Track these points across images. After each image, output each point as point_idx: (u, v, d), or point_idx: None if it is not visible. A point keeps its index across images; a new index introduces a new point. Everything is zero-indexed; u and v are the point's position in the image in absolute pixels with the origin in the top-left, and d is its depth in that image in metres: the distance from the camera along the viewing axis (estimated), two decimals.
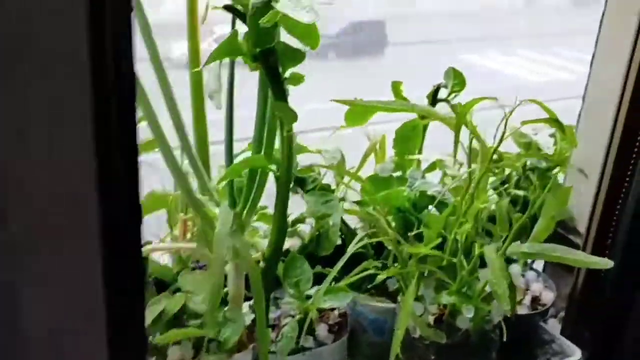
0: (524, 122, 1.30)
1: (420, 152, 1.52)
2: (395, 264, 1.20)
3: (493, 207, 1.21)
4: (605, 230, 1.34)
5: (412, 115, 1.55)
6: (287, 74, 1.08)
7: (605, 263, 1.01)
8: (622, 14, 1.25)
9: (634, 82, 1.23)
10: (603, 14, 1.29)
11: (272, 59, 0.99)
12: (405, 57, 24.45)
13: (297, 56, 1.03)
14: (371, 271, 1.17)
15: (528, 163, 1.36)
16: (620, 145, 1.28)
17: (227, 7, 0.95)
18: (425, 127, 1.46)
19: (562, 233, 1.43)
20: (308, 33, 0.96)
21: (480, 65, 23.25)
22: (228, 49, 0.96)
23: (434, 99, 1.48)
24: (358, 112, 1.43)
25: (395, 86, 1.50)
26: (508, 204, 1.14)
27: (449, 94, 1.51)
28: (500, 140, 1.10)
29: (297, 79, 1.11)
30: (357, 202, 1.31)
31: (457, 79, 1.47)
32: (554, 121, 1.25)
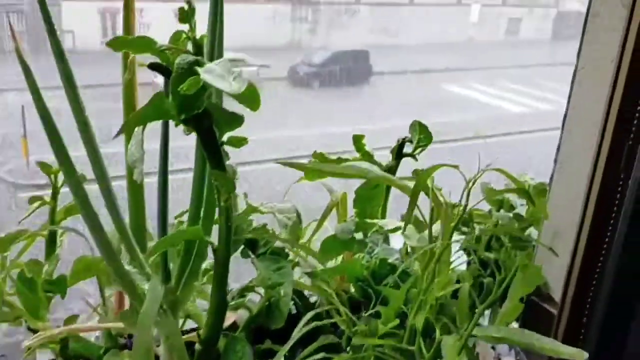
0: (490, 192, 1.25)
1: (384, 211, 1.39)
2: (349, 349, 1.09)
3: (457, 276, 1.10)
4: (582, 301, 1.22)
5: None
6: (225, 138, 0.97)
7: (580, 356, 0.91)
8: (596, 69, 1.17)
9: (610, 138, 1.13)
10: (576, 68, 1.25)
11: (206, 123, 0.89)
12: (388, 87, 24.72)
13: (235, 120, 0.94)
14: (319, 357, 1.05)
15: (499, 222, 1.26)
16: (597, 206, 1.17)
17: (152, 66, 0.86)
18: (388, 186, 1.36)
19: (535, 300, 1.30)
20: (247, 95, 0.85)
21: (462, 95, 23.58)
22: (153, 112, 0.85)
23: (398, 153, 1.39)
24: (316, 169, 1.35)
25: (357, 140, 1.39)
26: (470, 288, 1.05)
27: (415, 149, 1.42)
28: (461, 216, 1.00)
29: (239, 142, 1.00)
30: (309, 274, 1.21)
31: (423, 133, 1.38)
32: (522, 191, 1.17)
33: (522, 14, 34.45)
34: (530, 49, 31.82)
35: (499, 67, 27.87)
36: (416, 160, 1.34)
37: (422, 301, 0.99)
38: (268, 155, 14.80)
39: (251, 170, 14.04)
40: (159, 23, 25.01)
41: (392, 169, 1.37)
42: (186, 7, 0.88)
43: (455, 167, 1.09)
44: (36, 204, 1.27)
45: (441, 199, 1.13)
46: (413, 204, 1.09)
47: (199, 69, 0.76)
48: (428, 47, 30.14)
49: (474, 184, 1.06)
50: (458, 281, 1.09)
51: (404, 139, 1.40)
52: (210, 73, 0.76)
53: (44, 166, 1.21)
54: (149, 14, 27.41)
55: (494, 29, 33.56)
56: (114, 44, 0.86)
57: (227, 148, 1.04)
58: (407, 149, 1.46)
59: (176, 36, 0.91)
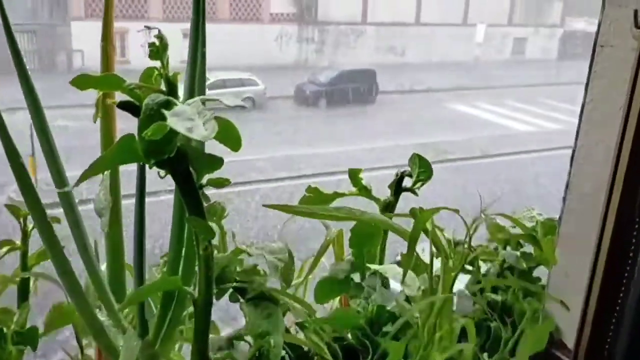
0: (495, 230, 1.16)
1: (382, 250, 1.28)
2: None
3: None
4: (598, 350, 1.09)
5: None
6: (203, 180, 0.87)
7: None
8: (605, 104, 1.06)
9: (624, 177, 1.02)
10: (584, 103, 1.14)
11: (182, 166, 0.79)
12: (395, 105, 24.71)
13: (214, 162, 0.84)
14: None
15: (506, 261, 1.16)
16: (611, 247, 1.06)
17: (121, 105, 0.77)
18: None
19: (547, 347, 1.17)
20: (227, 134, 0.76)
21: (468, 114, 23.55)
22: (122, 155, 0.75)
23: (397, 188, 1.29)
24: (313, 201, 1.24)
25: (354, 174, 1.27)
26: (475, 339, 0.96)
27: (414, 183, 1.31)
28: (462, 266, 0.94)
29: (219, 183, 0.90)
30: (300, 325, 1.10)
31: (422, 167, 1.26)
32: (529, 237, 1.07)
33: (528, 34, 34.62)
34: (536, 68, 31.93)
35: (505, 86, 27.97)
36: (416, 195, 1.24)
37: (422, 357, 0.92)
38: (277, 174, 14.84)
39: (259, 189, 14.06)
40: (168, 43, 25.17)
41: (390, 205, 1.25)
42: (157, 41, 0.82)
43: (455, 211, 1.03)
44: (5, 249, 1.18)
45: (443, 241, 1.03)
46: (411, 250, 0.99)
47: (166, 112, 0.68)
48: (434, 66, 30.32)
49: (475, 230, 0.98)
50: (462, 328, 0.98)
51: (402, 172, 1.27)
52: (178, 116, 0.68)
53: (12, 209, 1.14)
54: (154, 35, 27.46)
55: (500, 48, 33.75)
56: (78, 82, 0.77)
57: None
58: (407, 182, 1.35)
59: (148, 73, 0.83)
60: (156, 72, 0.82)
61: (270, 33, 27.99)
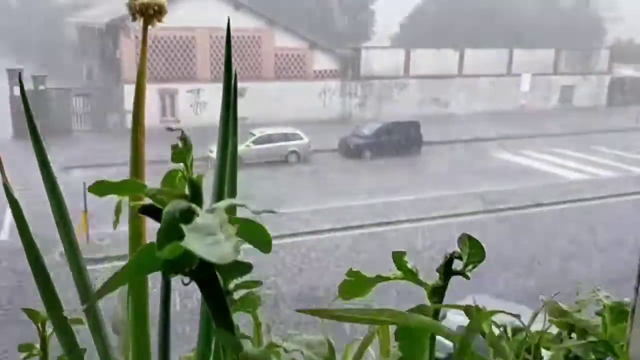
0: (556, 312, 1.02)
1: (432, 343, 1.17)
2: None
3: None
4: None
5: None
6: (231, 286, 0.83)
7: None
8: None
9: None
10: None
11: (206, 274, 0.74)
12: (440, 156, 24.49)
13: (240, 268, 0.78)
14: None
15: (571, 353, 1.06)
16: None
17: (144, 210, 0.74)
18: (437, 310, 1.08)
19: None
20: (257, 237, 0.74)
21: (516, 163, 23.04)
22: (141, 266, 0.70)
23: (446, 271, 1.15)
24: (355, 285, 1.10)
25: (398, 258, 1.12)
26: None
27: (465, 266, 1.16)
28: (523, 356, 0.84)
29: (249, 287, 0.84)
30: None
31: (473, 248, 1.10)
32: (594, 327, 0.98)
33: (575, 82, 34.20)
34: (585, 116, 31.32)
35: (553, 134, 27.44)
36: (468, 278, 1.09)
37: None
38: (322, 226, 14.80)
39: (304, 241, 14.01)
40: (214, 101, 25.91)
41: (439, 291, 1.11)
42: (180, 144, 0.79)
43: (516, 316, 0.89)
44: (23, 355, 1.11)
45: (503, 344, 0.91)
46: (463, 354, 0.87)
47: (185, 227, 0.62)
48: (479, 116, 30.14)
49: (534, 319, 0.85)
50: None
51: (452, 254, 1.13)
52: (197, 232, 0.62)
53: (30, 313, 1.07)
54: (205, 94, 28.42)
55: (547, 96, 33.37)
56: (97, 189, 0.74)
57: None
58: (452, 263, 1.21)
59: (171, 176, 0.80)
60: (179, 175, 0.78)
61: (315, 89, 28.60)
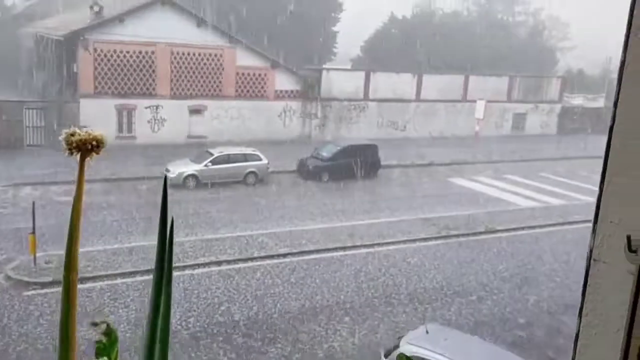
0: None
1: None
2: None
3: None
4: None
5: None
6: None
7: None
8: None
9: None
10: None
11: None
12: (396, 179, 24.80)
13: None
14: None
15: None
16: None
17: None
18: None
19: None
20: None
21: (470, 189, 23.59)
22: None
23: None
24: None
25: None
26: None
27: None
28: None
29: None
30: None
31: None
32: None
33: (527, 109, 35.33)
34: (536, 143, 32.31)
35: (506, 160, 28.20)
36: None
37: None
38: (279, 250, 14.72)
39: (260, 266, 13.90)
40: (173, 118, 25.71)
41: None
42: (104, 339, 0.77)
43: None
44: None
45: None
46: None
47: None
48: (435, 140, 30.74)
49: None
50: None
51: None
52: None
53: None
54: (164, 111, 28.19)
55: (500, 123, 34.33)
56: None
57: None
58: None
59: None
60: None
61: (275, 109, 28.63)
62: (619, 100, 0.94)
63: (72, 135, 0.81)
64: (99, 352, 0.77)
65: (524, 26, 51.20)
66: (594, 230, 0.98)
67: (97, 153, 0.83)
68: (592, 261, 0.99)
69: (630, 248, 0.91)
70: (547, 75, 39.37)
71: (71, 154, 0.82)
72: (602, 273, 0.98)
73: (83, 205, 0.88)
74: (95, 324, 0.82)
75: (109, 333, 0.78)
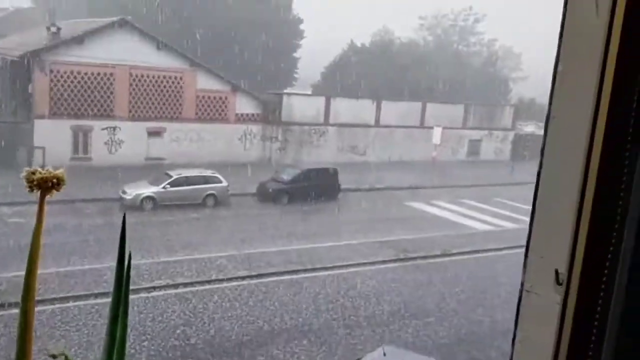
0: None
1: None
2: None
3: None
4: None
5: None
6: None
7: None
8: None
9: None
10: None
11: None
12: (356, 203, 24.95)
13: None
14: None
15: None
16: None
17: None
18: None
19: None
20: None
21: (427, 212, 23.89)
22: None
23: None
24: None
25: None
26: None
27: None
28: None
29: None
30: None
31: None
32: None
33: (482, 136, 36.30)
34: (490, 169, 33.16)
35: (462, 185, 28.79)
36: None
37: None
38: (237, 273, 14.56)
39: (218, 289, 13.69)
40: (131, 140, 25.40)
41: None
42: None
43: None
44: None
45: None
46: None
47: None
48: (393, 165, 31.17)
49: None
50: None
51: None
52: None
53: None
54: (122, 132, 27.77)
55: (456, 149, 35.13)
56: None
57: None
58: None
59: None
60: None
61: (236, 132, 28.57)
62: (545, 149, 1.01)
63: (33, 173, 0.83)
64: None
65: (479, 56, 52.91)
66: (525, 264, 1.03)
67: (58, 190, 0.85)
68: (524, 292, 1.04)
69: (558, 281, 0.98)
70: (501, 103, 40.63)
71: (32, 191, 0.84)
72: (533, 303, 1.03)
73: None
74: (54, 357, 0.83)
75: None
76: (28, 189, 0.83)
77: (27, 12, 47.88)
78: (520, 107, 40.47)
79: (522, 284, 1.05)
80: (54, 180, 0.83)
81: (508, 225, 21.52)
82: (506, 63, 59.19)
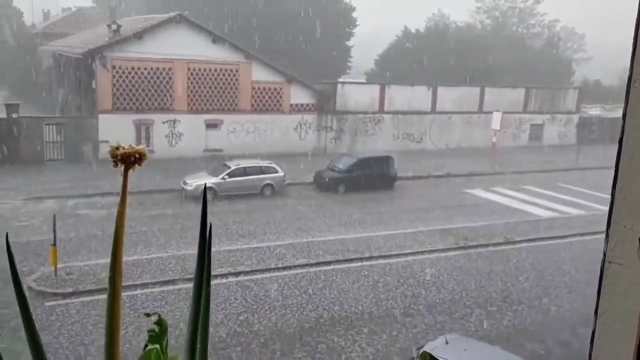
0: None
1: None
2: None
3: None
4: None
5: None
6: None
7: None
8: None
9: None
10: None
11: None
12: (413, 191, 24.64)
13: None
14: None
15: None
16: None
17: None
18: None
19: None
20: None
21: (488, 200, 23.31)
22: None
23: None
24: None
25: None
26: None
27: None
28: None
29: None
30: None
31: None
32: None
33: (544, 120, 35.13)
34: (554, 154, 32.08)
35: (524, 171, 28.01)
36: None
37: None
38: (296, 261, 14.72)
39: (277, 277, 13.90)
40: (190, 132, 25.92)
41: None
42: (156, 328, 0.84)
43: None
44: None
45: None
46: None
47: None
48: (451, 152, 30.64)
49: None
50: None
51: None
52: None
53: None
54: (181, 125, 28.37)
55: (517, 134, 34.15)
56: None
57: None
58: None
59: (147, 355, 0.83)
60: (154, 351, 0.84)
61: (291, 122, 28.80)
62: (627, 112, 1.01)
63: (117, 149, 0.87)
64: (151, 340, 0.84)
65: (539, 38, 51.14)
66: (607, 235, 1.05)
67: (140, 164, 0.88)
68: (606, 263, 1.06)
69: None
70: (564, 86, 39.18)
71: (116, 165, 0.87)
72: (616, 274, 1.05)
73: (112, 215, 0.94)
74: (147, 315, 0.88)
75: (160, 323, 0.84)
76: (113, 164, 0.87)
77: (88, 11, 49.82)
78: (584, 90, 38.91)
79: (604, 255, 1.07)
80: (137, 155, 0.86)
81: (573, 211, 20.81)
82: (568, 44, 56.96)
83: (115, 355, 0.86)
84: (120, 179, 0.88)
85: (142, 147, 0.88)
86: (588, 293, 13.16)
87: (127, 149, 0.86)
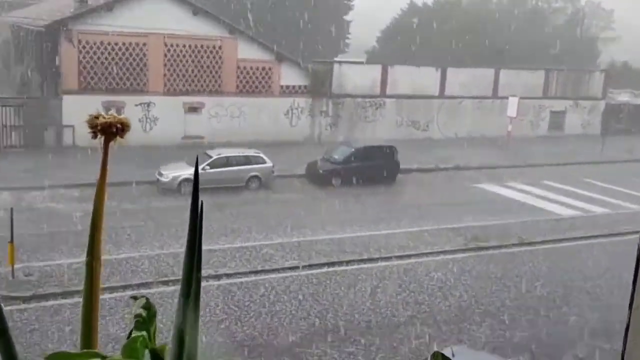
0: None
1: None
2: None
3: None
4: None
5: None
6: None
7: None
8: None
9: None
10: None
11: None
12: (417, 185, 24.66)
13: None
14: None
15: None
16: None
17: None
18: None
19: None
20: None
21: (501, 196, 23.34)
22: None
23: None
24: None
25: None
26: None
27: None
28: None
29: None
30: None
31: None
32: None
33: (566, 107, 35.22)
34: (577, 145, 32.14)
35: (543, 164, 28.02)
36: None
37: None
38: (285, 263, 14.74)
39: (264, 280, 13.92)
40: (166, 117, 25.81)
41: None
42: (144, 312, 0.85)
43: None
44: None
45: None
46: None
47: None
48: (461, 142, 30.66)
49: None
50: None
51: None
52: None
53: None
54: (157, 109, 28.24)
55: (535, 122, 34.23)
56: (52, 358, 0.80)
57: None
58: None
59: (132, 343, 0.84)
60: (139, 340, 0.85)
61: (281, 106, 28.75)
62: None
63: (97, 117, 0.87)
64: (138, 326, 0.84)
65: (562, 14, 51.23)
66: None
67: (122, 137, 0.88)
68: None
69: None
70: (588, 69, 39.27)
71: (95, 136, 0.87)
72: None
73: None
74: (134, 298, 0.89)
75: (148, 307, 0.84)
76: (91, 135, 0.86)
77: None
78: (611, 73, 39.02)
79: (638, 249, 1.09)
80: (119, 126, 0.86)
81: (597, 210, 20.91)
82: (594, 22, 57.06)
83: (92, 344, 0.87)
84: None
85: (125, 117, 0.88)
86: (613, 303, 13.21)
87: (108, 118, 0.86)
